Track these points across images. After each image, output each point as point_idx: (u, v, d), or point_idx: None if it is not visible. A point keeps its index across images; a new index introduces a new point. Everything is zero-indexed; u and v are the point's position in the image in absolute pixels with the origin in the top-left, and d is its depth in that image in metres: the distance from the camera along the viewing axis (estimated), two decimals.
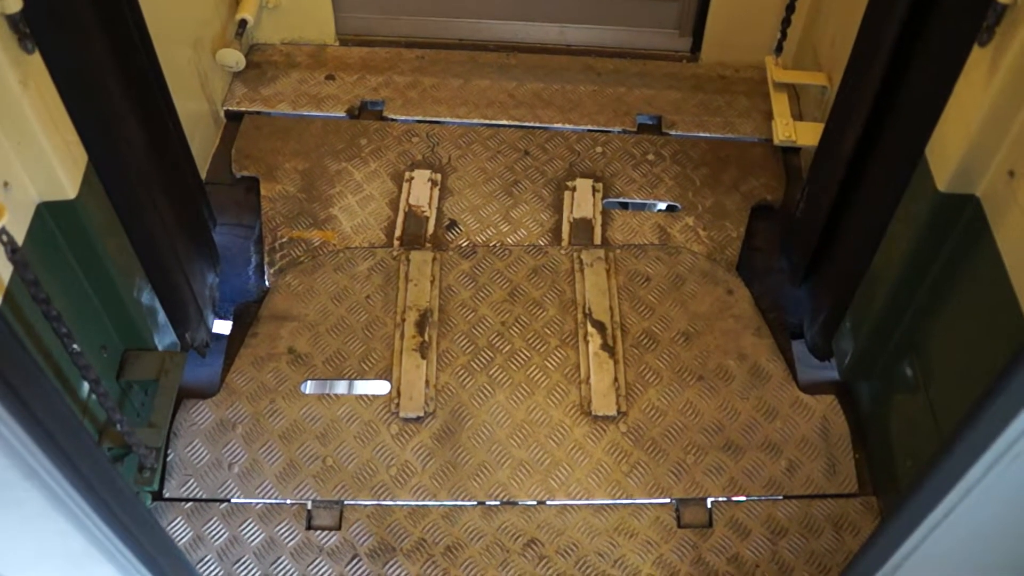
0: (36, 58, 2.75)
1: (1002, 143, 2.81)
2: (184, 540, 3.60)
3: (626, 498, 3.73)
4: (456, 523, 3.67)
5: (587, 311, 4.20)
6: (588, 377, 4.01)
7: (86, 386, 3.15)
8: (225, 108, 4.97)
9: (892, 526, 2.22)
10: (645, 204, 4.74)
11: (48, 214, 2.98)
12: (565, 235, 4.50)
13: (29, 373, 1.70)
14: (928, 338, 3.39)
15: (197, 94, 4.63)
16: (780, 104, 4.78)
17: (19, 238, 2.81)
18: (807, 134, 4.58)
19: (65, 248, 3.12)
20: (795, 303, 4.34)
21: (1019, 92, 2.70)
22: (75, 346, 2.79)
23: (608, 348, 4.08)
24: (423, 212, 4.56)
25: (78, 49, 2.91)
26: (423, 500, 3.71)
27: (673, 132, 4.96)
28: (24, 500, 1.85)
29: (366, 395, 3.96)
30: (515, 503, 3.73)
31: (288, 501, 3.70)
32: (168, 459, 3.76)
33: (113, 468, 2.02)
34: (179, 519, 3.65)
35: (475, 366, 4.04)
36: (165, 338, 3.82)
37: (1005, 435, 1.77)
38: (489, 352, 4.09)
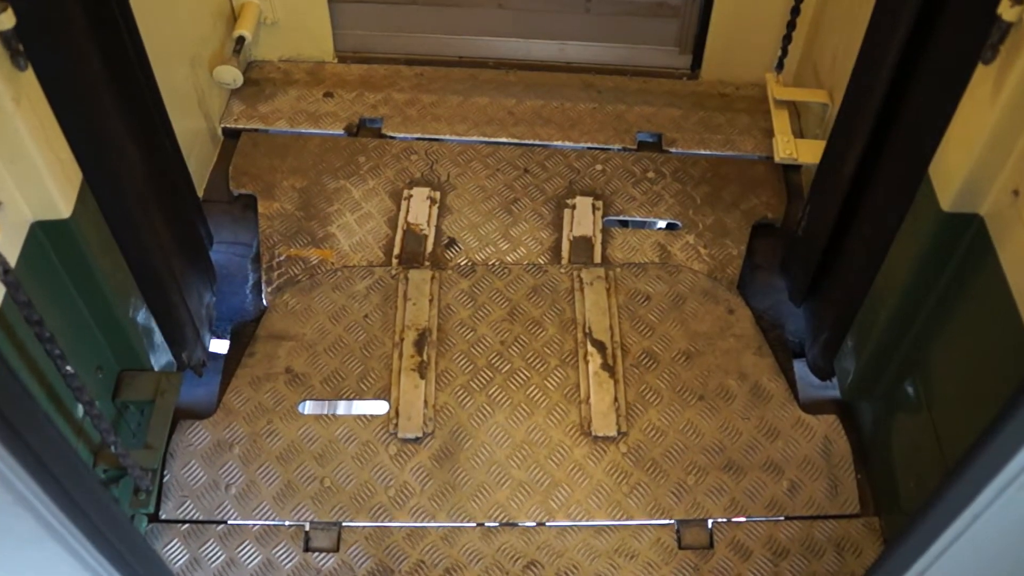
0: (29, 75, 2.72)
1: (1007, 162, 2.78)
2: (181, 562, 3.56)
3: (626, 519, 3.70)
4: (455, 545, 3.64)
5: (587, 330, 4.17)
6: (588, 397, 3.97)
7: (81, 407, 3.11)
8: (223, 125, 4.95)
9: (897, 552, 2.18)
10: (645, 222, 4.72)
11: (42, 233, 2.95)
12: (565, 253, 4.47)
13: (17, 397, 1.67)
14: (931, 358, 3.36)
15: (194, 111, 4.61)
16: (781, 121, 4.76)
17: (13, 258, 2.78)
18: (808, 152, 4.56)
19: (59, 268, 3.09)
20: (796, 322, 4.31)
21: None
22: (68, 367, 2.76)
23: (608, 368, 4.05)
24: (422, 230, 4.53)
25: (72, 66, 2.88)
26: (422, 522, 3.67)
27: (673, 150, 4.94)
28: (14, 526, 1.82)
29: (364, 415, 3.92)
30: (515, 524, 3.69)
31: (286, 523, 3.66)
32: (164, 480, 3.73)
33: (105, 493, 1.99)
34: (176, 541, 3.61)
35: (474, 386, 4.01)
36: (161, 358, 3.79)
37: (1014, 461, 1.74)
38: (488, 372, 4.05)
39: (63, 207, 2.94)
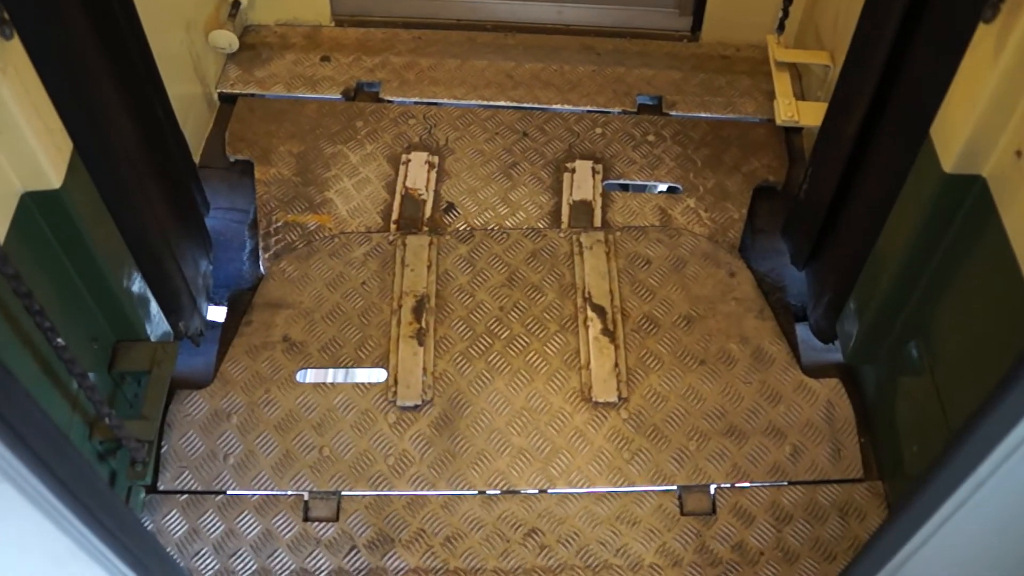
0: (15, 44, 2.68)
1: (1009, 122, 2.73)
2: (179, 533, 3.55)
3: (628, 486, 3.68)
4: (455, 513, 3.62)
5: (587, 295, 4.13)
6: (588, 363, 3.95)
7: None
8: (219, 91, 4.90)
9: (901, 518, 2.16)
10: (646, 186, 4.68)
11: (33, 204, 2.91)
12: (564, 218, 4.43)
13: None
14: (934, 320, 3.32)
15: (190, 77, 4.56)
16: (782, 83, 4.72)
17: (3, 229, 2.75)
18: (810, 114, 4.52)
19: (51, 239, 3.05)
20: (798, 285, 4.27)
21: None
22: (59, 340, 2.72)
23: (608, 333, 4.02)
24: (420, 195, 4.49)
25: (60, 34, 2.83)
26: (422, 490, 3.66)
27: (674, 112, 4.88)
28: (1, 500, 1.80)
29: (363, 383, 3.90)
30: (515, 492, 3.67)
31: (285, 492, 3.64)
32: (162, 451, 3.71)
33: (90, 467, 1.97)
34: (174, 512, 3.59)
35: (473, 352, 3.98)
36: (158, 328, 3.75)
37: (1019, 428, 1.71)
38: (487, 338, 4.02)
39: (53, 177, 2.90)
